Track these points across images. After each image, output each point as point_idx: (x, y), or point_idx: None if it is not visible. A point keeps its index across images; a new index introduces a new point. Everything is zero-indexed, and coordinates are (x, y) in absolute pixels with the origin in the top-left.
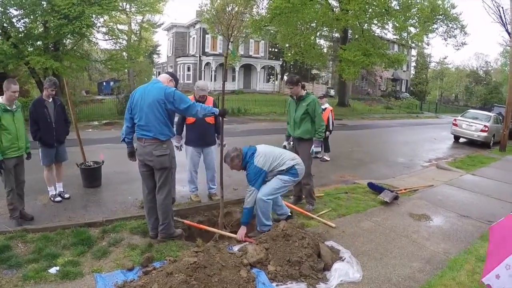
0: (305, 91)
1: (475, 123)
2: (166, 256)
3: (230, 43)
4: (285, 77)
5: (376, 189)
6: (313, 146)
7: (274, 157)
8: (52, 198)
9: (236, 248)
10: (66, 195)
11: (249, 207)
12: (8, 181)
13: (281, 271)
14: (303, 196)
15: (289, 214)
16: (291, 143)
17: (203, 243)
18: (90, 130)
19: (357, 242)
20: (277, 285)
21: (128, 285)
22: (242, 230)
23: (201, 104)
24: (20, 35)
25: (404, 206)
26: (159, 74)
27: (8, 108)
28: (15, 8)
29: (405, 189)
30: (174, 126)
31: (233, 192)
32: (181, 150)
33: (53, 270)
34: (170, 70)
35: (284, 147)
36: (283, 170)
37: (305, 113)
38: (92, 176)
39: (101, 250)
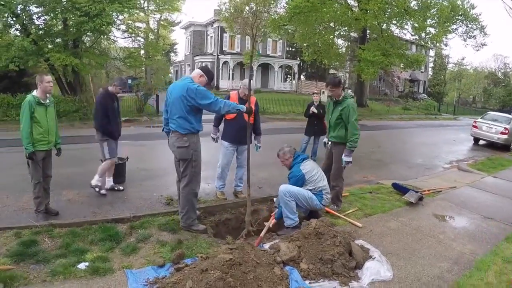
0: (344, 93)
1: (495, 125)
2: (197, 253)
3: (254, 42)
4: (302, 77)
5: (401, 189)
6: (343, 155)
7: (316, 173)
8: (99, 190)
9: (267, 246)
10: (120, 188)
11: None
12: (35, 173)
13: (313, 269)
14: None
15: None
16: (330, 142)
17: (233, 240)
18: None
19: (385, 241)
20: (309, 283)
21: (160, 281)
22: (272, 221)
23: (225, 100)
24: (40, 32)
25: (429, 207)
26: (176, 72)
27: (42, 102)
28: (35, 5)
29: (428, 190)
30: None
31: (257, 190)
32: (216, 141)
33: (82, 265)
34: (188, 68)
35: (325, 143)
36: (315, 188)
37: (339, 118)
38: (116, 172)
39: (130, 246)
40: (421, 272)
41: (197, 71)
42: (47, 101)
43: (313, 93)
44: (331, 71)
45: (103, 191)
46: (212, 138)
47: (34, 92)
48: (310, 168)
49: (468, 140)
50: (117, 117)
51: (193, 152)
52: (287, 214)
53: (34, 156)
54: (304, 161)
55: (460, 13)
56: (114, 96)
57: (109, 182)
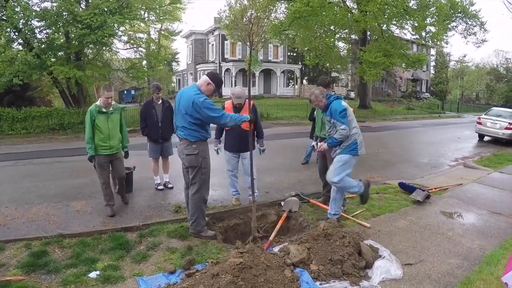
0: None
1: (500, 121)
2: (207, 258)
3: (252, 50)
4: (305, 81)
5: (408, 188)
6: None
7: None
8: (156, 187)
9: (276, 249)
10: (170, 185)
11: (338, 140)
12: (101, 175)
13: (323, 270)
14: None
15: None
16: (319, 143)
17: (243, 245)
18: None
19: (394, 240)
20: (320, 284)
21: None
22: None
23: (231, 115)
24: (42, 46)
25: (436, 205)
26: (179, 81)
27: (104, 110)
28: (37, 19)
29: (435, 188)
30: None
31: (265, 195)
32: (218, 153)
33: (93, 274)
34: (190, 77)
35: (313, 147)
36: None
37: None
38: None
39: (140, 254)
40: (431, 269)
41: (204, 78)
42: (110, 109)
43: None
44: (333, 74)
45: (160, 187)
46: (214, 149)
47: (98, 102)
48: (347, 105)
49: (473, 137)
50: (158, 122)
51: (202, 160)
52: (335, 208)
53: (94, 159)
54: (339, 98)
55: (459, 10)
56: (160, 103)
57: (165, 178)
